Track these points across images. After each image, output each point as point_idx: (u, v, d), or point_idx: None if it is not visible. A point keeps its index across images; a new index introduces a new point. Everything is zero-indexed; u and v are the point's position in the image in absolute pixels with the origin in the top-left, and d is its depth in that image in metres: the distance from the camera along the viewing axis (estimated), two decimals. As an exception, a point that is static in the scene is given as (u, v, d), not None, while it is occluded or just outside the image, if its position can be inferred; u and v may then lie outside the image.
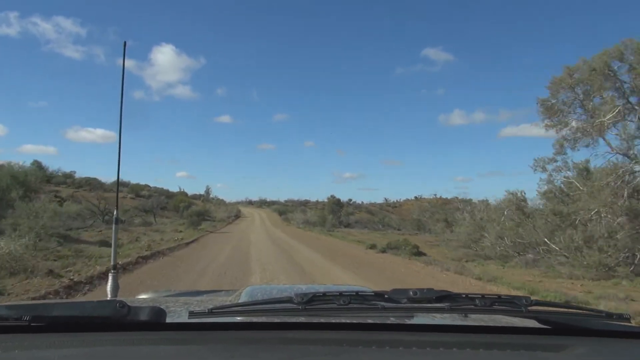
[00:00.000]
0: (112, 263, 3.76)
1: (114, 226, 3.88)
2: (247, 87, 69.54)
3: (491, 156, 67.03)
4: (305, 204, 71.04)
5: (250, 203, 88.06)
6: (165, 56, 61.11)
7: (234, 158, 75.87)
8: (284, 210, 61.18)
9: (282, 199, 79.15)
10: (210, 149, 74.60)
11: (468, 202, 27.93)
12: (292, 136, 74.93)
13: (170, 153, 70.94)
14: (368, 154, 73.16)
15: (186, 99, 65.05)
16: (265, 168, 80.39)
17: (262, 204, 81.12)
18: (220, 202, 64.43)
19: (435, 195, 63.47)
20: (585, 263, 12.54)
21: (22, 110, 50.31)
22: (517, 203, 17.68)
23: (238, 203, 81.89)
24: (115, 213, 3.83)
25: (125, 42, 3.87)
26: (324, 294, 1.22)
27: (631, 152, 12.93)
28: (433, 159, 68.96)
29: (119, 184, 4.21)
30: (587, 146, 13.97)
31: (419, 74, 62.29)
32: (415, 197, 66.06)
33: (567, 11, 57.18)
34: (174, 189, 56.38)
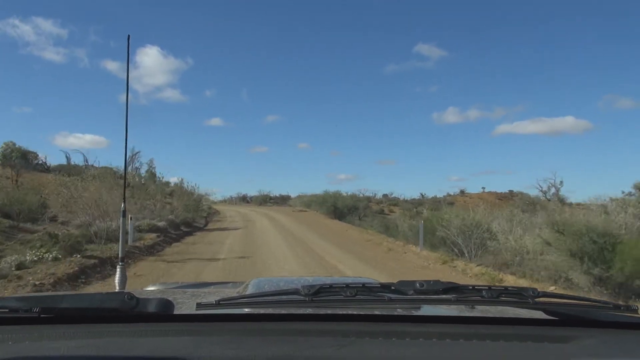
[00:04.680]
0: (120, 255, 3.80)
1: (121, 219, 3.91)
2: (237, 88, 68.10)
3: (485, 154, 65.81)
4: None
5: (244, 200, 59.79)
6: (151, 58, 59.43)
7: (226, 161, 73.02)
8: (344, 203, 31.59)
9: (291, 194, 56.17)
10: (202, 153, 72.28)
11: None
12: (285, 138, 72.58)
13: (162, 158, 68.99)
14: (362, 154, 70.78)
15: (175, 102, 63.59)
16: (259, 171, 76.04)
17: (265, 200, 55.49)
18: (178, 192, 27.90)
19: (484, 189, 54.20)
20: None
21: (7, 117, 49.34)
22: None
23: (226, 201, 57.44)
24: (122, 206, 3.86)
25: (129, 35, 3.88)
26: (331, 286, 1.22)
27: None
28: (427, 158, 67.42)
29: (125, 177, 4.24)
30: None
31: (412, 71, 61.12)
32: (462, 192, 55.47)
33: (562, 7, 56.03)
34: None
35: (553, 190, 28.61)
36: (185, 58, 65.83)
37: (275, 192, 59.88)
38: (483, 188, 56.87)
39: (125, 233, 4.27)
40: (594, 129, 59.46)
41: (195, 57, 63.58)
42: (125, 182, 4.14)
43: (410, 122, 67.92)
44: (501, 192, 55.40)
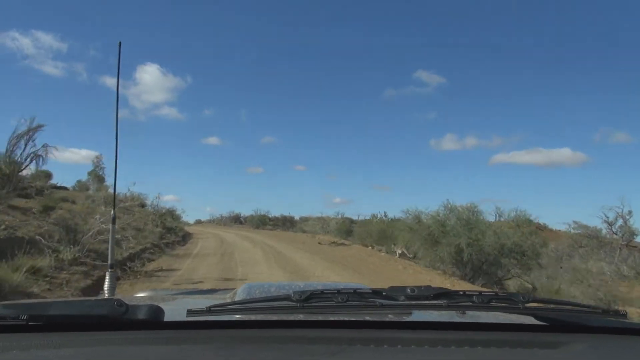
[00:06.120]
0: (109, 262, 3.77)
1: (111, 225, 3.89)
2: (236, 108, 67.95)
3: (482, 183, 65.27)
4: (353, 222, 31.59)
5: (237, 220, 49.84)
6: (150, 76, 58.88)
7: (221, 180, 71.70)
8: (502, 240, 11.97)
9: (294, 215, 45.48)
10: (197, 171, 71.23)
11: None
12: (282, 159, 71.66)
13: (157, 175, 68.21)
14: (358, 178, 69.86)
15: (172, 119, 62.99)
16: (254, 191, 73.92)
17: (263, 222, 43.53)
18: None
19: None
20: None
21: (4, 129, 48.12)
22: None
23: (214, 221, 50.82)
24: (112, 212, 3.84)
25: (120, 42, 3.87)
26: (322, 292, 1.22)
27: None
28: (423, 183, 66.79)
29: (116, 182, 4.21)
30: None
31: (411, 97, 61.13)
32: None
33: (560, 38, 56.89)
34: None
35: (620, 221, 21.99)
36: (185, 76, 65.49)
37: (273, 212, 48.27)
38: (572, 223, 53.85)
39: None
40: (590, 161, 59.59)
41: (194, 75, 63.30)
42: (115, 190, 4.11)
43: (407, 147, 67.62)
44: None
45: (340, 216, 32.52)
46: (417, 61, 64.51)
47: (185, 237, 23.06)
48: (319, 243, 22.14)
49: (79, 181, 22.11)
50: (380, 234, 20.29)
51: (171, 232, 21.39)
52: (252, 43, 61.95)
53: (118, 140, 3.64)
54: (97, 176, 24.99)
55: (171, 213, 26.03)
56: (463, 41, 57.97)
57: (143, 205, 22.79)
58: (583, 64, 55.87)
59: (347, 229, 26.66)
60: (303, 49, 62.69)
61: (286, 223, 44.10)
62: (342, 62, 64.00)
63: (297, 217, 45.02)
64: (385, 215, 22.99)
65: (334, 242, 22.61)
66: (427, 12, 57.53)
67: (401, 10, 57.02)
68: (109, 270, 3.67)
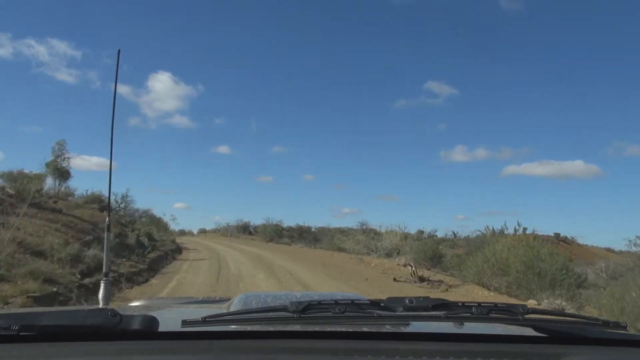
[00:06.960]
0: (104, 271, 3.74)
1: (105, 234, 3.87)
2: (246, 118, 68.47)
3: (492, 195, 64.22)
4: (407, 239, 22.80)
5: (245, 230, 44.17)
6: (162, 84, 59.03)
7: (230, 189, 71.60)
8: None
9: (311, 225, 39.45)
10: (207, 180, 71.22)
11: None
12: (291, 169, 71.50)
13: (167, 183, 68.53)
14: (367, 189, 69.70)
15: (183, 128, 63.13)
16: (262, 200, 73.11)
17: (278, 233, 36.97)
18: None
19: (524, 230, 45.30)
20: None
21: (17, 135, 48.48)
22: None
23: (219, 231, 45.96)
24: (107, 221, 3.82)
25: (119, 50, 3.87)
26: (319, 303, 1.21)
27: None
28: (432, 195, 65.99)
29: (110, 189, 4.20)
30: None
31: (421, 108, 60.97)
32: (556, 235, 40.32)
33: (572, 50, 57.40)
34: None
35: None
36: (197, 85, 65.63)
37: (283, 221, 40.71)
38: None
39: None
40: (603, 174, 59.16)
41: (206, 84, 63.45)
42: (109, 197, 4.10)
43: (417, 158, 67.34)
44: (545, 235, 51.30)
45: (363, 227, 26.92)
46: (427, 72, 64.91)
47: (159, 262, 14.29)
48: (395, 280, 13.18)
49: (20, 173, 15.29)
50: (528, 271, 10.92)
51: (133, 254, 13.63)
52: (264, 53, 62.57)
53: (113, 146, 3.64)
54: (57, 169, 18.53)
55: (158, 221, 19.33)
56: (474, 52, 58.38)
57: (103, 210, 16.61)
58: (596, 76, 56.39)
59: (433, 253, 17.66)
60: (314, 59, 63.13)
61: (303, 234, 36.34)
62: (352, 73, 64.37)
63: (313, 228, 38.98)
64: (523, 229, 13.42)
65: (422, 278, 13.07)
66: (437, 23, 58.04)
67: (412, 21, 57.54)
68: (104, 278, 3.65)
